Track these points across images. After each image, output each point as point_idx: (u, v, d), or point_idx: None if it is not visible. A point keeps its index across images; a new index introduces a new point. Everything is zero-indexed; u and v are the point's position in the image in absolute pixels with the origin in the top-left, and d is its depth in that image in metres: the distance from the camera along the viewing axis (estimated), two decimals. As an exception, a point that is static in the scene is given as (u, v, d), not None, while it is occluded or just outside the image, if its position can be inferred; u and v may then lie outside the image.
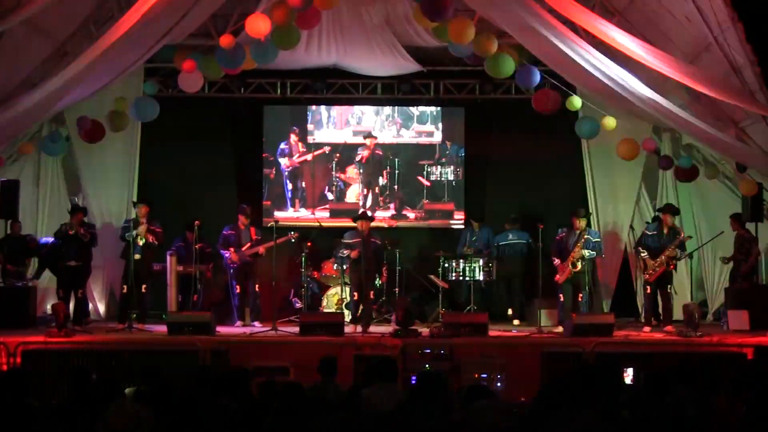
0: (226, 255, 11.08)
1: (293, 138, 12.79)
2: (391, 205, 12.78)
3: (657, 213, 11.51)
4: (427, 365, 8.75)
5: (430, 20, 9.42)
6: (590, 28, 9.08)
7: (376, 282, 11.30)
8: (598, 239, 11.10)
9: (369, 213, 11.74)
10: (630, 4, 10.22)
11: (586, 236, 10.67)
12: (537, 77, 10.35)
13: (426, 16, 9.20)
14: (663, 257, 10.61)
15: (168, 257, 11.36)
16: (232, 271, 11.13)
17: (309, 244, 11.54)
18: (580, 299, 10.69)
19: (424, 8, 9.00)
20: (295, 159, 12.77)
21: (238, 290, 11.07)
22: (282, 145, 12.78)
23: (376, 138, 12.74)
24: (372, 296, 10.75)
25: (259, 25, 8.92)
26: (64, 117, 11.39)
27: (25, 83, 10.51)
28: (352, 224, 11.09)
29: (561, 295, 10.79)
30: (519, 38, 9.89)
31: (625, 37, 9.03)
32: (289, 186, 12.80)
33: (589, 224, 11.12)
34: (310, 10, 8.97)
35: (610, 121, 10.91)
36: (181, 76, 10.45)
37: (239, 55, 9.76)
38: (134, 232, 10.64)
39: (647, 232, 11.01)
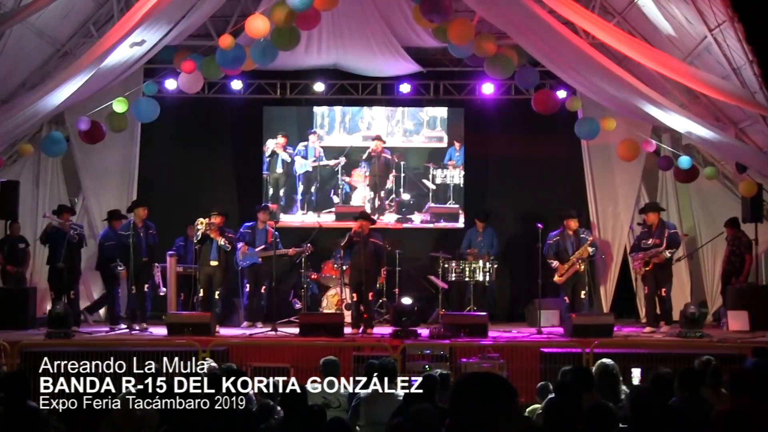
0: (239, 248, 11.05)
1: (312, 139, 12.71)
2: (397, 208, 12.73)
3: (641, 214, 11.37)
4: (426, 366, 8.73)
5: (429, 21, 9.41)
6: (590, 29, 9.09)
7: (377, 284, 11.13)
8: (591, 237, 11.06)
9: (369, 213, 11.67)
10: (630, 5, 10.23)
11: (582, 235, 10.67)
12: (536, 78, 10.35)
13: (426, 17, 9.19)
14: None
15: (168, 258, 11.35)
16: (243, 270, 11.12)
17: (309, 245, 11.53)
18: (580, 299, 10.68)
19: (424, 9, 9.00)
20: (310, 162, 12.65)
21: (247, 289, 11.07)
22: (300, 146, 12.71)
23: (383, 141, 12.67)
24: (371, 297, 10.70)
25: (258, 25, 8.91)
26: (63, 118, 11.39)
27: (25, 84, 10.53)
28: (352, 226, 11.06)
29: (561, 296, 10.78)
30: (518, 39, 9.89)
31: (625, 37, 9.05)
32: (300, 188, 12.74)
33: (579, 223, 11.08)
34: (310, 10, 8.96)
35: (609, 122, 10.91)
36: (181, 77, 10.46)
37: (239, 55, 9.77)
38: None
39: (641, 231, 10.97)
